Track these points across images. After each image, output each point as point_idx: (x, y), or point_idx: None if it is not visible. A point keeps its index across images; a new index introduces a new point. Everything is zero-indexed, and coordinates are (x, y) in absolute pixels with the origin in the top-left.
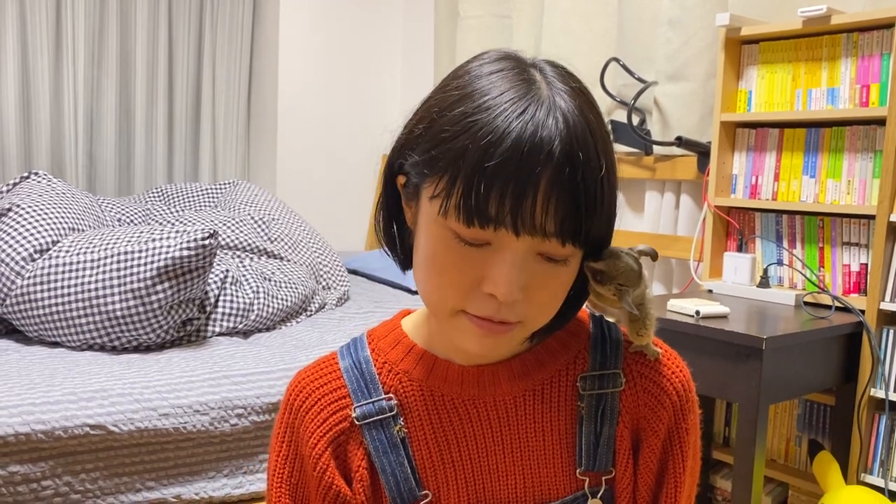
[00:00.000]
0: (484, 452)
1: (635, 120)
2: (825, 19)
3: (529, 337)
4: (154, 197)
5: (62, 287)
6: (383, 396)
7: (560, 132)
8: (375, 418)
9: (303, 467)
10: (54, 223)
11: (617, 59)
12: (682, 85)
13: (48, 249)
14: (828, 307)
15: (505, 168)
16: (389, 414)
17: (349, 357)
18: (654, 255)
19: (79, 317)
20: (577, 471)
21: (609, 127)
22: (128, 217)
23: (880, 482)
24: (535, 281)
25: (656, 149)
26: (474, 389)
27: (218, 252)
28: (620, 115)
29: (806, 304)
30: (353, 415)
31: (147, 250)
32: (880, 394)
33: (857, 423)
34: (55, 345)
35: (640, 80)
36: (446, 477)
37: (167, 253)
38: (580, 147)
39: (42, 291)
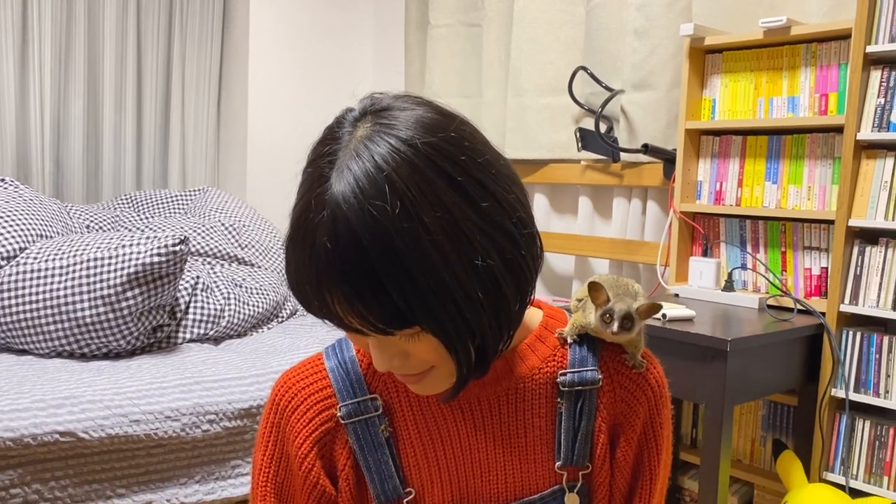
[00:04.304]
0: (467, 450)
1: (603, 128)
2: (785, 30)
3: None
4: (123, 204)
5: (30, 294)
6: (368, 396)
7: (336, 239)
8: (360, 417)
9: (289, 466)
10: (22, 230)
11: (584, 68)
12: (648, 93)
13: (15, 256)
14: (790, 310)
15: (300, 284)
16: (374, 413)
17: (335, 357)
18: (656, 309)
19: (47, 324)
20: (556, 465)
21: (502, 162)
22: (96, 224)
23: (841, 480)
24: (407, 348)
25: (623, 156)
26: None
27: (188, 258)
28: (588, 123)
29: (769, 307)
30: (339, 414)
31: (117, 257)
32: (841, 394)
33: (819, 422)
34: (23, 352)
35: (607, 88)
36: (430, 474)
37: (137, 259)
38: (355, 247)
39: (9, 298)
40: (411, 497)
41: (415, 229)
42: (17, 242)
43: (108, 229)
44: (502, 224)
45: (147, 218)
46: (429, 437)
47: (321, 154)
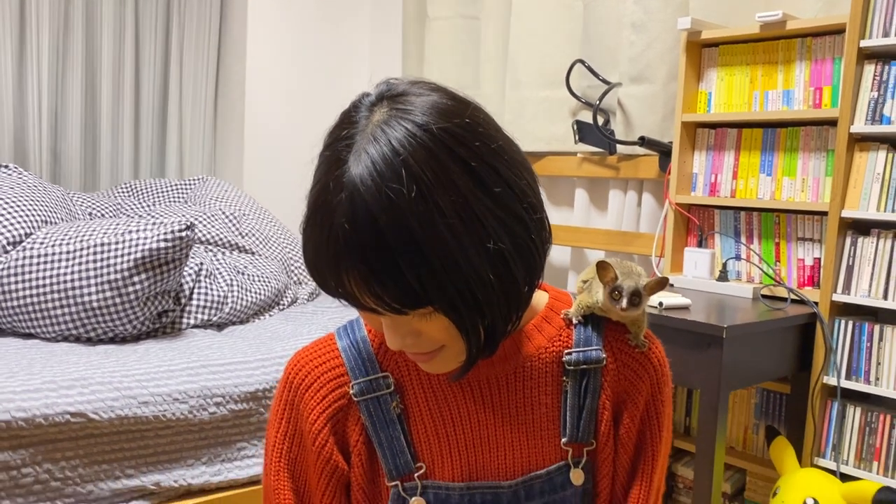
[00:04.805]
0: (476, 427)
1: (600, 120)
2: (781, 24)
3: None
4: (123, 192)
5: (37, 279)
6: (380, 374)
7: (353, 220)
8: (372, 395)
9: (302, 442)
10: (27, 215)
11: (582, 61)
12: (645, 86)
13: (21, 241)
14: (783, 300)
15: (317, 264)
16: (386, 391)
17: (347, 337)
18: (663, 284)
19: (54, 308)
20: (562, 441)
21: (513, 149)
22: (99, 211)
23: (832, 465)
24: (419, 327)
25: (620, 148)
26: None
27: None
28: (585, 116)
29: (763, 296)
30: (351, 391)
31: (124, 242)
32: (832, 381)
33: (811, 409)
34: (29, 336)
35: (604, 81)
36: (440, 450)
37: (144, 244)
38: (371, 228)
39: (16, 283)
40: (422, 472)
41: (430, 212)
42: (23, 228)
43: (112, 216)
44: (514, 208)
45: (148, 206)
46: (439, 414)
47: (339, 137)
